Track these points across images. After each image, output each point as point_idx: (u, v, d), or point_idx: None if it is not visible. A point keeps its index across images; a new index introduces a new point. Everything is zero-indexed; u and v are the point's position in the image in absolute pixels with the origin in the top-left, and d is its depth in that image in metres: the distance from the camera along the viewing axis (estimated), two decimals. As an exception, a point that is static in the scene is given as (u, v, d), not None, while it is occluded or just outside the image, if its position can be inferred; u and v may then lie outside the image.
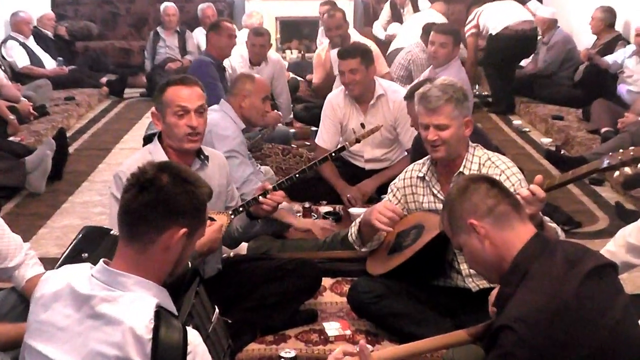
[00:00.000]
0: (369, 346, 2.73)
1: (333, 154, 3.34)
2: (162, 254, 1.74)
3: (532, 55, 7.37)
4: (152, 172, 1.75)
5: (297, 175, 3.06)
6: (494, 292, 2.28)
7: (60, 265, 2.45)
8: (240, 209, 2.88)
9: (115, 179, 2.75)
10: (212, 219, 2.71)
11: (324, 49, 6.17)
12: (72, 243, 2.60)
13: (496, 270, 1.93)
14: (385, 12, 8.29)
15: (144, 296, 1.68)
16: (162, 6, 8.27)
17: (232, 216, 2.85)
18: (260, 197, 2.82)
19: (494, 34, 6.69)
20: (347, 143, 3.43)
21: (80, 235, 2.61)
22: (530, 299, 1.76)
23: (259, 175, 4.04)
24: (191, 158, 2.81)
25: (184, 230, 1.73)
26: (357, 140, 3.48)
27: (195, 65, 5.46)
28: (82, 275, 1.74)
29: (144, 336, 1.61)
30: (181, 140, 2.74)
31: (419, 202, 2.98)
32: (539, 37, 7.18)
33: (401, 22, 7.94)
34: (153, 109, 2.83)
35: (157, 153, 2.76)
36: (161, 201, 1.72)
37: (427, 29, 6.57)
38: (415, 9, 8.04)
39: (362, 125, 3.67)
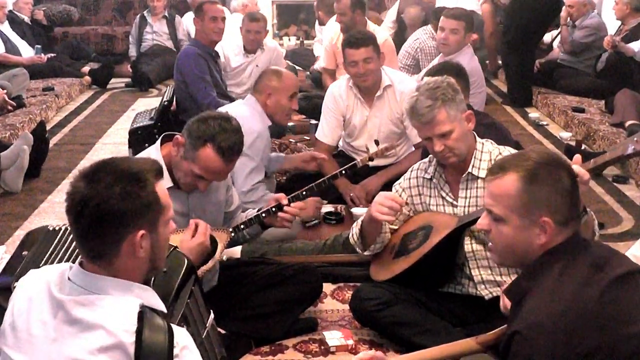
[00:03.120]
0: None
1: (343, 172, 3.41)
2: (131, 259, 1.74)
3: (557, 34, 7.39)
4: (83, 189, 1.71)
5: (304, 193, 3.16)
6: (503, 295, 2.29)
7: (4, 271, 2.50)
8: (242, 225, 2.97)
9: None
10: (211, 238, 2.74)
11: (335, 33, 6.15)
12: (15, 251, 2.68)
13: (518, 258, 1.92)
14: (391, 16, 7.90)
15: (125, 298, 1.70)
16: (148, -11, 8.33)
17: (232, 234, 2.90)
18: (274, 209, 2.97)
19: None
20: (359, 160, 3.49)
21: (23, 239, 2.70)
22: (548, 304, 1.76)
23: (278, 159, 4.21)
24: None
25: (141, 232, 1.73)
26: (370, 159, 3.56)
27: (182, 56, 5.41)
28: (59, 279, 1.75)
29: (126, 340, 1.63)
30: (184, 185, 2.81)
31: (427, 203, 2.99)
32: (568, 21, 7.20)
33: (404, 33, 7.56)
34: (179, 137, 2.77)
35: None
36: (101, 221, 1.69)
37: (437, 13, 6.58)
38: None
39: (376, 143, 3.72)
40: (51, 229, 2.67)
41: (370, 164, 4.47)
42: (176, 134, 2.82)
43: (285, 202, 2.99)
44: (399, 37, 7.06)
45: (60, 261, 2.48)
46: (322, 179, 3.37)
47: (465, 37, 5.22)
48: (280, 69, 4.13)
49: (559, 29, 7.38)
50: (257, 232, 3.12)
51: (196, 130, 2.73)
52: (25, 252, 2.59)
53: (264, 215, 3.00)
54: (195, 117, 2.83)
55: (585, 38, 7.03)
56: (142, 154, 2.89)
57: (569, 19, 7.21)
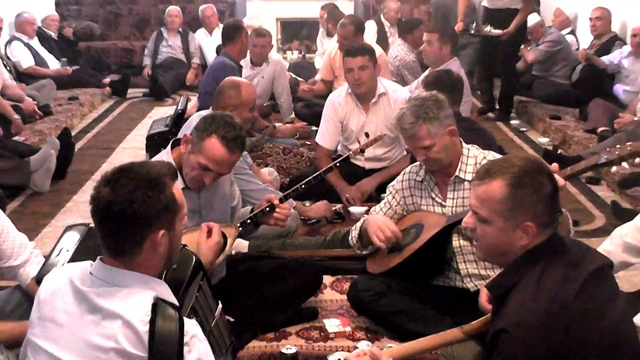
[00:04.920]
0: (366, 342, 2.75)
1: (337, 164, 3.37)
2: (152, 255, 1.74)
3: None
4: (107, 194, 1.70)
5: (302, 186, 3.12)
6: (483, 292, 2.28)
7: (45, 265, 2.49)
8: (248, 221, 2.92)
9: None
10: (222, 234, 2.72)
11: (334, 48, 6.14)
12: (56, 243, 2.65)
13: (500, 256, 1.91)
14: (371, 30, 7.46)
15: (141, 290, 1.70)
16: (167, 9, 8.40)
17: (240, 228, 2.88)
18: (268, 209, 2.88)
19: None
20: (351, 152, 3.46)
21: (62, 235, 2.66)
22: (532, 303, 1.75)
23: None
24: None
25: (162, 232, 1.73)
26: (362, 150, 3.51)
27: (221, 68, 5.20)
28: (82, 273, 1.76)
29: (140, 328, 1.64)
30: (189, 180, 2.77)
31: (418, 203, 2.99)
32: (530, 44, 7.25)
33: (386, 42, 7.45)
34: (187, 134, 2.77)
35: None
36: (125, 224, 1.70)
37: (404, 27, 6.59)
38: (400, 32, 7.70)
39: (367, 135, 3.69)
40: (91, 225, 2.64)
41: (366, 166, 4.49)
42: None
43: (276, 202, 2.91)
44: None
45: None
46: (317, 172, 3.34)
47: (442, 49, 5.13)
48: (239, 81, 3.93)
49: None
50: (250, 229, 3.04)
51: (203, 125, 2.71)
52: (67, 249, 2.56)
53: (260, 215, 2.93)
54: (202, 117, 2.81)
55: (548, 48, 7.04)
56: (156, 158, 2.88)
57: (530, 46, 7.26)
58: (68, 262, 2.46)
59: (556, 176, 2.22)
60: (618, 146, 2.54)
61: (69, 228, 2.70)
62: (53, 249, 2.61)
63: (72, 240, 2.60)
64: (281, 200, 2.96)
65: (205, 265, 2.25)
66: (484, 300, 2.38)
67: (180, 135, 3.24)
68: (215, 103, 3.80)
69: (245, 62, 5.85)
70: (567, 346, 1.70)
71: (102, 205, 1.70)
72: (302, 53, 9.00)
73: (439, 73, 4.13)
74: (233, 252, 3.37)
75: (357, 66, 4.24)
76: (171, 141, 2.87)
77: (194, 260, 2.07)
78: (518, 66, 7.27)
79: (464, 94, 4.98)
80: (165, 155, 2.82)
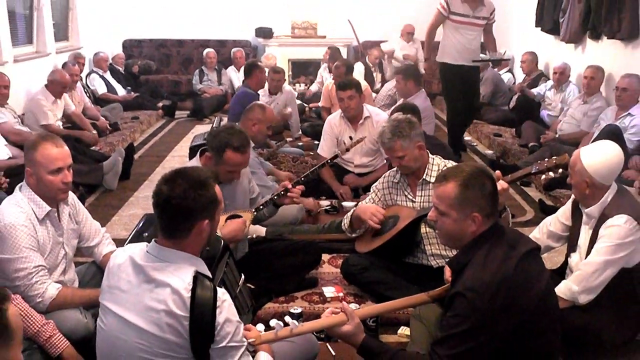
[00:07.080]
0: (355, 304, 2.73)
1: (329, 161, 3.37)
2: (196, 239, 1.73)
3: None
4: (166, 191, 1.68)
5: (302, 179, 3.10)
6: (447, 270, 2.27)
7: (128, 244, 2.47)
8: (261, 206, 2.91)
9: None
10: (239, 216, 2.71)
11: (330, 83, 6.14)
12: (136, 227, 2.62)
13: (457, 240, 1.89)
14: (359, 69, 7.15)
15: (185, 265, 1.69)
16: (205, 51, 8.40)
17: (255, 212, 2.86)
18: (283, 192, 2.89)
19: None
20: (339, 151, 3.44)
21: (142, 221, 2.62)
22: (480, 274, 1.75)
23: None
24: None
25: (207, 221, 1.72)
26: (347, 149, 3.51)
27: (245, 97, 5.18)
28: (140, 251, 1.75)
29: (184, 295, 1.63)
30: (227, 179, 2.74)
31: (394, 199, 2.97)
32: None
33: (373, 82, 7.22)
34: (207, 154, 2.75)
35: None
36: (180, 214, 1.68)
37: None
38: (383, 75, 7.60)
39: (351, 138, 3.67)
40: None
41: (355, 171, 4.47)
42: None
43: (289, 186, 2.91)
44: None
45: None
46: (313, 167, 3.35)
47: (406, 84, 4.96)
48: (265, 105, 3.94)
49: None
50: (272, 211, 3.03)
51: (214, 144, 2.70)
52: (145, 234, 2.54)
53: (276, 197, 2.93)
54: (209, 136, 2.78)
55: (489, 88, 7.01)
56: (189, 163, 2.86)
57: None
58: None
59: (502, 182, 2.21)
60: (546, 159, 2.52)
61: (147, 216, 2.67)
62: (133, 230, 2.59)
63: (149, 225, 2.58)
64: (293, 185, 2.96)
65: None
66: (448, 275, 2.37)
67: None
68: (245, 116, 3.82)
69: (263, 92, 5.83)
70: (506, 308, 1.70)
71: (162, 200, 1.68)
72: (307, 85, 8.99)
73: (405, 105, 4.12)
74: (254, 236, 3.36)
75: (346, 96, 4.25)
76: (199, 151, 2.86)
77: (222, 243, 2.06)
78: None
79: (430, 117, 4.97)
80: (196, 161, 2.80)
